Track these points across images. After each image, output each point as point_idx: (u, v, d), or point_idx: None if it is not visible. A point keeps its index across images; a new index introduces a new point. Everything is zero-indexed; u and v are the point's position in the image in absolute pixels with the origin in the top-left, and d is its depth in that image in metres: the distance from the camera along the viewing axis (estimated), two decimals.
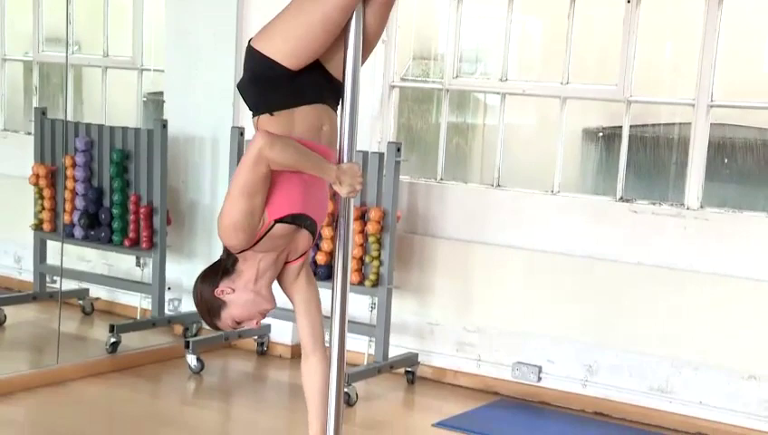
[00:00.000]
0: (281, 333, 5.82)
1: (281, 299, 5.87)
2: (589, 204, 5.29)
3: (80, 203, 5.93)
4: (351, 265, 4.99)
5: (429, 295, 5.56)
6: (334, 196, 2.71)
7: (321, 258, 5.20)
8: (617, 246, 5.14)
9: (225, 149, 5.65)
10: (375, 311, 5.25)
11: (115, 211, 5.82)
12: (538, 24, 6.00)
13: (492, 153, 5.64)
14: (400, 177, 5.24)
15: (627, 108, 5.19)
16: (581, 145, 5.67)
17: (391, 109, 5.88)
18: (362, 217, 5.12)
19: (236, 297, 2.75)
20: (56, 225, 6.10)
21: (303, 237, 2.77)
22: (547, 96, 5.53)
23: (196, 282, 2.82)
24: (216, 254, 5.82)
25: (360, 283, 5.13)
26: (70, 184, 5.96)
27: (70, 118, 6.27)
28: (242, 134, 5.44)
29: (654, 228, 5.07)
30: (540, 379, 5.29)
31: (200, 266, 6.27)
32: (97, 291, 6.48)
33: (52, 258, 6.16)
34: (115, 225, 5.82)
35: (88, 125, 6.01)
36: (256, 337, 5.81)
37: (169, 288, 5.96)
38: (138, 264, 6.08)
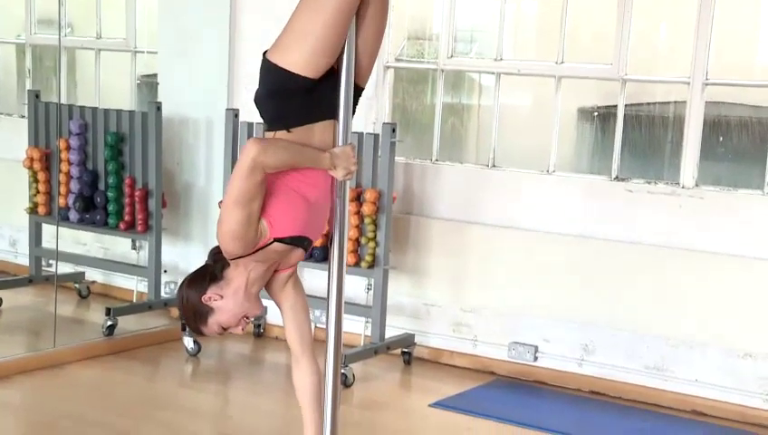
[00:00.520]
0: (277, 315, 5.80)
1: None
2: (584, 183, 5.29)
3: (74, 186, 5.92)
4: (347, 246, 4.99)
5: (425, 276, 5.56)
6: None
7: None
8: (612, 225, 5.15)
9: (219, 130, 5.64)
10: (371, 292, 5.25)
11: (110, 194, 5.81)
12: (533, 3, 5.99)
13: (487, 133, 5.63)
14: (396, 158, 5.23)
15: (622, 87, 5.18)
16: (577, 125, 5.66)
17: (386, 89, 5.87)
18: (358, 199, 5.12)
19: (224, 304, 2.72)
20: (51, 208, 6.09)
21: (297, 253, 2.76)
22: (542, 75, 5.52)
23: (181, 287, 2.78)
24: (212, 235, 5.82)
25: (357, 264, 5.14)
26: (64, 167, 5.95)
27: (63, 101, 6.24)
28: (236, 116, 5.42)
29: (649, 207, 5.07)
30: (536, 358, 5.30)
31: (196, 249, 6.34)
32: (93, 274, 6.48)
33: (48, 242, 6.15)
34: (110, 208, 5.81)
35: (82, 108, 5.99)
36: (253, 319, 5.81)
37: (165, 271, 5.96)
38: (133, 247, 6.09)
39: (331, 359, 2.77)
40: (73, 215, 5.92)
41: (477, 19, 5.87)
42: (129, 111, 5.86)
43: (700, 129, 5.01)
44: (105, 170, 5.83)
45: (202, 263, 6.22)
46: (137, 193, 5.69)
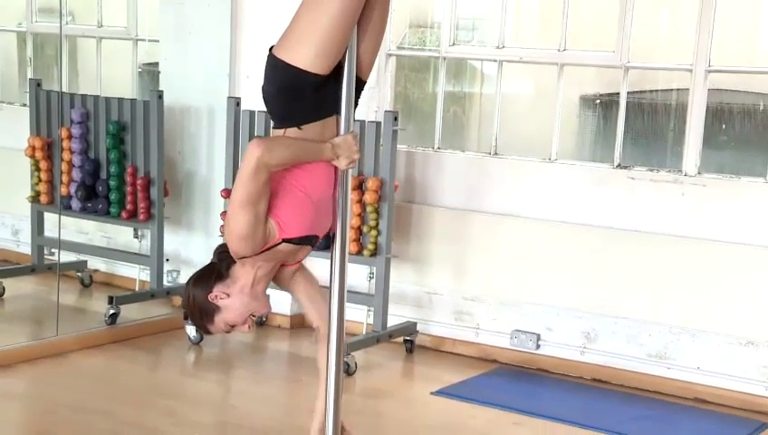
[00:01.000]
0: (280, 303, 5.83)
1: None
2: (586, 171, 5.28)
3: (76, 175, 5.91)
4: (349, 235, 4.98)
5: (427, 265, 5.56)
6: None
7: None
8: (615, 213, 5.14)
9: (221, 119, 5.62)
10: (373, 280, 5.25)
11: (112, 183, 5.80)
12: None
13: (489, 121, 5.62)
14: (398, 146, 5.23)
15: (624, 74, 5.17)
16: (579, 112, 5.65)
17: (388, 77, 5.86)
18: (360, 187, 5.12)
19: (231, 302, 2.71)
20: (53, 197, 6.08)
21: (305, 250, 2.76)
22: (544, 63, 5.51)
23: (187, 286, 2.77)
24: (214, 224, 5.84)
25: (359, 253, 5.13)
26: (66, 156, 5.94)
27: (65, 89, 6.23)
28: (238, 104, 5.42)
29: (652, 195, 5.06)
30: (538, 347, 5.30)
31: (198, 238, 6.34)
32: (95, 263, 6.48)
33: (50, 231, 6.15)
34: (112, 197, 5.81)
35: (83, 96, 5.99)
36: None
37: (168, 260, 5.96)
38: (136, 235, 6.08)
39: (333, 347, 2.77)
40: (75, 204, 5.92)
41: (479, 6, 5.86)
42: (131, 100, 5.85)
43: (703, 116, 4.99)
44: (107, 159, 5.83)
45: (203, 251, 6.22)
46: (139, 182, 5.68)
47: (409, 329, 5.46)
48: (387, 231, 5.13)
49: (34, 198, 6.17)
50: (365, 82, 2.75)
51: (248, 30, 5.74)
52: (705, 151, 5.03)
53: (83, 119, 5.90)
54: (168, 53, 6.05)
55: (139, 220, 5.75)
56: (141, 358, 5.23)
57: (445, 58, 5.73)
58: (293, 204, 2.62)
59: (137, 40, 6.56)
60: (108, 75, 6.73)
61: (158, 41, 6.20)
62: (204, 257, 5.90)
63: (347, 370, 4.94)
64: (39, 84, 6.17)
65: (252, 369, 5.18)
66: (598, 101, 5.58)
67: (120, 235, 6.29)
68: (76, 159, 5.90)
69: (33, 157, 6.09)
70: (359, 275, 5.29)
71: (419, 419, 4.53)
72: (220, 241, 5.65)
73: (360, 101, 2.75)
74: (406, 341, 5.48)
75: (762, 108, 5.12)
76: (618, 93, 5.22)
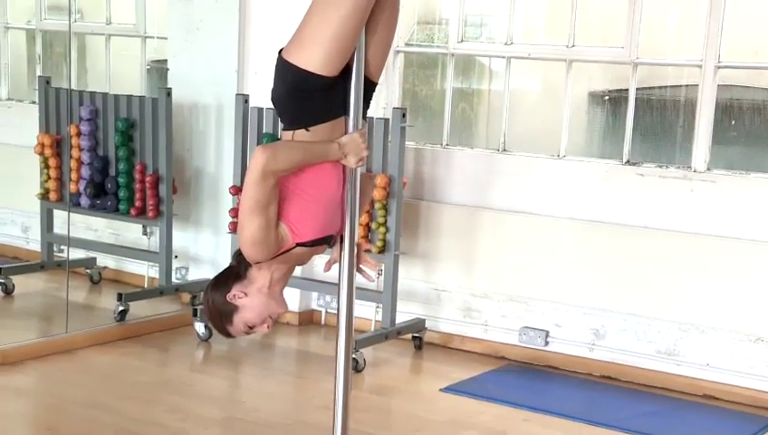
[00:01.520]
0: (288, 300, 5.81)
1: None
2: (595, 168, 5.27)
3: (85, 172, 5.93)
4: (358, 231, 4.98)
5: (436, 261, 5.56)
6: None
7: None
8: (623, 209, 5.13)
9: (229, 116, 5.63)
10: (382, 277, 5.25)
11: (121, 180, 5.82)
12: None
13: (497, 118, 5.62)
14: (406, 142, 5.23)
15: (633, 70, 5.16)
16: (587, 109, 5.64)
17: (396, 74, 5.85)
18: None
19: (249, 301, 2.71)
20: (62, 194, 6.10)
21: (321, 248, 2.76)
22: (553, 59, 5.50)
23: (207, 289, 2.77)
24: (223, 221, 5.85)
25: (367, 249, 5.13)
26: (75, 153, 5.96)
27: (74, 86, 6.24)
28: (246, 101, 5.42)
29: (661, 191, 5.05)
30: (547, 343, 5.30)
31: (207, 234, 6.35)
32: (104, 260, 6.50)
33: (59, 228, 6.17)
34: (121, 194, 5.82)
35: (92, 94, 6.00)
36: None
37: (176, 256, 5.97)
38: (144, 232, 6.10)
39: (342, 344, 2.77)
40: (84, 201, 5.93)
41: (487, 3, 5.85)
42: (140, 97, 5.86)
43: (712, 112, 4.98)
44: (116, 156, 5.84)
45: (212, 248, 6.23)
46: (147, 179, 5.69)
47: (418, 326, 5.46)
48: (395, 228, 5.13)
49: (44, 196, 6.18)
50: (376, 84, 2.74)
51: (256, 26, 5.75)
52: (715, 147, 5.01)
53: (92, 116, 5.92)
54: (176, 50, 6.06)
55: (147, 217, 5.76)
56: (150, 354, 5.24)
57: (453, 55, 5.72)
58: (303, 207, 2.62)
59: (145, 37, 6.57)
60: (116, 72, 6.75)
61: (166, 38, 6.22)
62: (212, 254, 5.98)
63: (355, 366, 4.94)
64: (48, 82, 6.19)
65: (260, 365, 5.19)
66: (606, 97, 5.57)
67: (129, 232, 6.31)
68: (85, 157, 5.92)
69: (42, 154, 6.10)
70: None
71: (428, 415, 4.53)
72: (229, 238, 5.71)
73: (370, 102, 2.74)
74: (414, 337, 5.48)
75: None
76: (626, 89, 5.21)
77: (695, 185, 4.98)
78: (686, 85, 5.22)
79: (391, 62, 5.79)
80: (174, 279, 5.95)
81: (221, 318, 2.74)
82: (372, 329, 5.39)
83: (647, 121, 5.28)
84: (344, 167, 2.67)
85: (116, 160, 5.85)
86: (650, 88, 5.33)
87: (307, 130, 2.61)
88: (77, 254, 6.28)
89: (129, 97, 5.85)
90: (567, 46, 5.35)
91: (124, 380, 4.81)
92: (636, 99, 5.18)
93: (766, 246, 4.76)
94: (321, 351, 5.43)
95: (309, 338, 5.70)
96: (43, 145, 6.08)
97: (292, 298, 5.75)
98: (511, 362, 5.32)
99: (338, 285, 2.77)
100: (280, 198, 2.59)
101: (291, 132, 2.65)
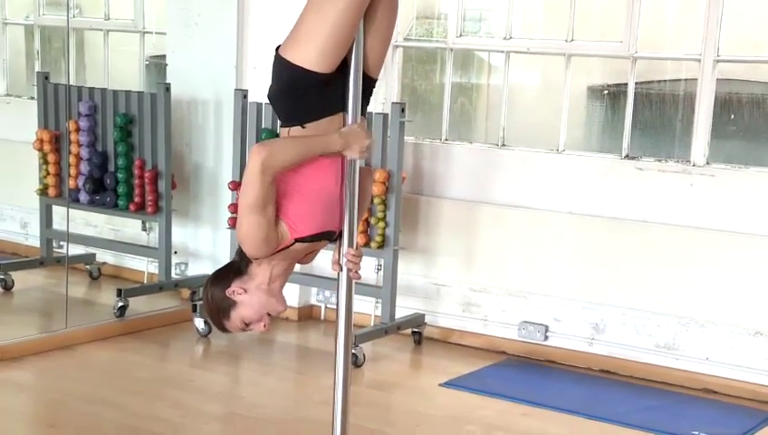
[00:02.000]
0: (288, 295, 5.81)
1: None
2: (594, 162, 5.27)
3: (84, 168, 5.93)
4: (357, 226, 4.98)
5: (435, 256, 5.56)
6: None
7: None
8: (623, 204, 5.13)
9: (228, 111, 5.63)
10: (381, 272, 5.25)
11: (120, 176, 5.81)
12: None
13: (496, 112, 5.62)
14: (405, 137, 5.22)
15: (632, 64, 5.15)
16: (587, 103, 5.64)
17: (395, 69, 5.85)
18: None
19: (248, 298, 2.70)
20: (61, 190, 6.10)
21: (321, 244, 2.75)
22: (552, 54, 5.49)
23: (206, 284, 2.78)
24: (222, 216, 5.85)
25: (366, 244, 5.13)
26: (74, 149, 5.95)
27: (72, 82, 6.24)
28: (245, 96, 5.41)
29: (660, 186, 5.05)
30: (546, 338, 5.30)
31: (206, 230, 6.35)
32: (104, 256, 6.50)
33: (59, 223, 6.17)
34: (120, 189, 5.82)
35: (91, 89, 5.99)
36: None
37: (176, 252, 5.97)
38: (144, 228, 6.10)
39: (341, 339, 2.77)
40: (83, 196, 5.93)
41: None
42: (138, 93, 5.86)
43: (711, 106, 4.98)
44: (115, 152, 5.84)
45: (211, 243, 6.23)
46: (146, 174, 5.69)
47: (417, 320, 5.46)
48: (394, 223, 5.13)
49: (43, 191, 6.18)
50: (375, 80, 2.73)
51: (255, 21, 5.74)
52: (714, 141, 5.01)
53: (91, 111, 5.91)
54: (175, 45, 6.06)
55: (147, 213, 5.76)
56: (150, 350, 5.25)
57: (452, 49, 5.72)
58: (301, 203, 2.62)
59: (144, 32, 6.57)
60: (115, 68, 6.74)
61: (165, 33, 6.21)
62: (212, 249, 5.98)
63: (355, 362, 4.94)
64: (47, 77, 6.19)
65: (260, 360, 5.19)
66: (605, 91, 5.56)
67: (129, 227, 6.31)
68: (84, 152, 5.91)
69: (41, 150, 6.10)
70: (366, 267, 5.23)
71: (427, 410, 4.54)
72: (228, 233, 5.71)
73: (370, 98, 2.74)
74: (414, 332, 5.48)
75: None
76: (625, 84, 5.20)
77: (694, 179, 4.98)
78: (685, 79, 5.22)
79: (390, 56, 5.79)
80: (173, 275, 5.95)
81: (219, 313, 2.74)
82: (372, 324, 5.39)
83: (646, 116, 5.27)
84: (343, 163, 2.66)
85: (115, 156, 5.84)
86: (649, 82, 5.33)
87: (303, 127, 2.61)
88: (76, 250, 6.29)
89: (128, 92, 5.85)
90: (566, 41, 5.34)
91: (124, 375, 4.81)
92: (635, 93, 5.18)
93: (765, 240, 4.77)
94: (321, 346, 5.43)
95: (308, 333, 5.71)
96: (41, 141, 6.07)
97: (292, 293, 5.75)
98: (510, 357, 5.33)
99: (337, 280, 2.77)
100: (278, 194, 2.59)
101: (287, 129, 2.65)
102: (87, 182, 5.90)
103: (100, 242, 6.38)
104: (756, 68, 5.17)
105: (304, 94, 2.57)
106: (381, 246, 5.14)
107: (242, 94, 5.42)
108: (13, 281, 6.13)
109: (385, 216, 5.13)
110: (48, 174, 6.11)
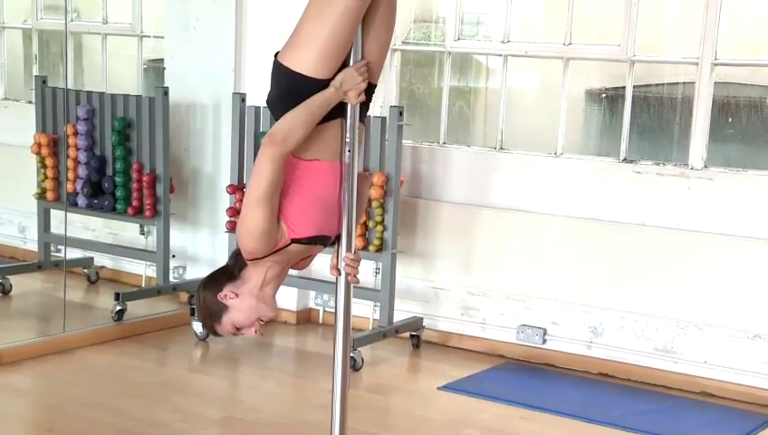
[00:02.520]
0: (286, 299, 5.83)
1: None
2: (592, 166, 5.27)
3: (82, 172, 5.92)
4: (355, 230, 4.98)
5: (433, 260, 5.56)
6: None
7: None
8: (621, 207, 5.13)
9: (227, 115, 5.63)
10: (379, 276, 5.25)
11: (118, 180, 5.81)
12: None
13: (495, 116, 5.62)
14: (403, 141, 5.23)
15: (630, 68, 5.16)
16: (584, 107, 5.64)
17: (393, 73, 5.85)
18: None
19: (239, 302, 2.71)
20: (59, 194, 6.09)
21: (316, 249, 2.76)
22: (549, 57, 5.50)
23: (200, 286, 2.79)
24: (220, 220, 5.84)
25: (365, 248, 5.13)
26: (72, 153, 5.95)
27: (70, 86, 6.24)
28: (243, 100, 5.42)
29: (658, 189, 5.06)
30: (545, 341, 5.30)
31: (204, 234, 6.35)
32: (102, 259, 6.49)
33: (56, 227, 6.16)
34: (118, 193, 5.82)
35: (89, 93, 5.99)
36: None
37: (174, 256, 5.97)
38: (142, 232, 6.09)
39: (339, 342, 2.77)
40: (82, 200, 5.93)
41: (484, 1, 5.84)
42: (137, 96, 5.86)
43: (709, 109, 4.98)
44: (113, 156, 5.84)
45: (210, 247, 6.23)
46: (145, 178, 5.69)
47: (416, 324, 5.46)
48: (393, 226, 5.13)
49: (41, 195, 6.18)
50: (375, 86, 2.73)
51: (253, 25, 5.74)
52: (712, 145, 5.01)
53: (89, 115, 5.91)
54: (173, 49, 6.06)
55: (145, 217, 5.76)
56: (148, 354, 5.24)
57: (450, 53, 5.72)
58: (300, 205, 2.62)
59: (142, 36, 6.57)
60: (113, 72, 6.74)
61: (163, 37, 6.21)
62: (210, 253, 5.98)
63: (353, 365, 4.94)
64: (45, 81, 6.18)
65: (258, 364, 5.19)
66: (603, 94, 5.57)
67: (127, 231, 6.30)
68: (82, 156, 5.91)
69: (39, 154, 6.10)
70: (365, 271, 5.25)
71: (426, 414, 4.54)
72: (226, 237, 5.70)
73: (369, 104, 2.74)
74: (412, 336, 5.48)
75: None
76: (623, 87, 5.21)
77: (692, 182, 4.99)
78: (683, 83, 5.22)
79: (388, 60, 5.79)
80: (171, 278, 5.95)
81: (210, 317, 2.75)
82: (370, 328, 5.39)
83: (644, 119, 5.28)
84: (342, 168, 2.66)
85: (113, 160, 5.84)
86: (647, 85, 5.33)
87: None
88: (74, 253, 6.28)
89: (126, 96, 5.85)
90: (564, 44, 5.35)
91: (122, 379, 4.81)
92: (633, 96, 5.18)
93: (763, 243, 4.77)
94: (320, 350, 5.43)
95: (307, 337, 5.70)
96: (39, 145, 6.07)
97: (290, 297, 5.75)
98: (509, 361, 5.33)
99: (335, 283, 2.77)
100: (281, 194, 2.59)
101: None
102: (85, 186, 5.90)
103: (99, 246, 6.37)
104: (754, 71, 5.17)
105: (302, 100, 2.58)
106: (380, 249, 5.14)
107: (240, 98, 5.42)
108: (11, 285, 6.12)
109: (383, 219, 5.13)
110: (46, 178, 6.11)
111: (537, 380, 5.07)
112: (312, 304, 5.91)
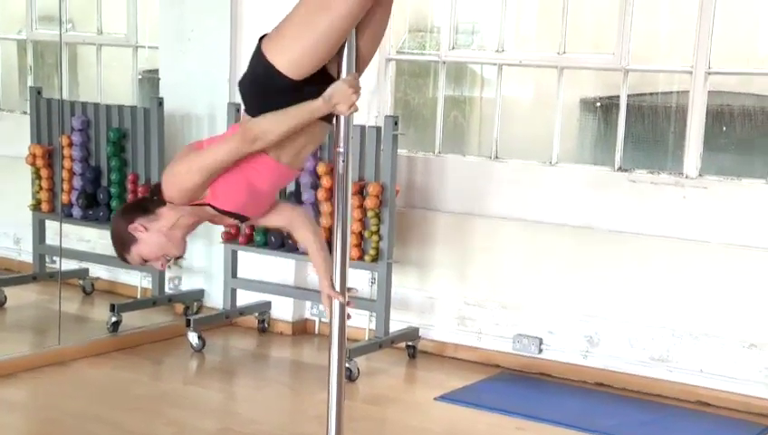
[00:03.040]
0: (282, 310, 5.83)
1: (278, 276, 5.85)
2: (587, 174, 5.28)
3: (77, 183, 5.92)
4: (351, 240, 4.98)
5: (429, 269, 5.56)
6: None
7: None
8: (616, 216, 5.14)
9: (222, 125, 5.62)
10: (375, 286, 5.25)
11: (113, 190, 5.81)
12: None
13: (489, 125, 5.62)
14: (398, 151, 5.22)
15: (624, 77, 5.17)
16: (579, 116, 5.65)
17: (388, 82, 5.86)
18: (361, 192, 5.11)
19: (147, 236, 2.79)
20: (54, 205, 6.09)
21: (231, 221, 2.86)
22: (544, 66, 5.51)
23: (115, 214, 2.90)
24: (215, 231, 5.83)
25: (360, 258, 5.13)
26: (67, 164, 5.95)
27: (65, 97, 6.24)
28: (238, 110, 5.41)
29: (653, 198, 5.06)
30: (541, 351, 5.30)
31: (199, 245, 6.34)
32: (97, 271, 6.48)
33: (52, 239, 6.15)
34: (113, 204, 5.81)
35: (84, 104, 5.99)
36: (257, 314, 5.82)
37: (169, 267, 5.94)
38: None
39: (335, 353, 2.77)
40: (77, 211, 5.92)
41: (478, 10, 5.86)
42: (131, 107, 5.86)
43: (703, 118, 4.99)
44: (108, 167, 5.83)
45: (205, 258, 6.19)
46: (140, 189, 5.68)
47: (412, 334, 5.45)
48: (388, 236, 5.13)
49: (35, 207, 6.17)
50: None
51: (248, 35, 5.74)
52: (706, 153, 5.02)
53: (84, 126, 5.91)
54: (167, 59, 6.06)
55: None
56: (144, 366, 5.23)
57: (444, 62, 5.73)
58: (232, 183, 2.69)
59: (137, 47, 6.57)
60: (108, 82, 6.74)
61: (157, 47, 6.21)
62: (205, 264, 5.97)
63: (349, 376, 4.93)
64: (39, 92, 6.18)
65: (254, 375, 5.18)
66: (598, 103, 5.58)
67: None
68: (77, 167, 5.91)
69: (33, 165, 6.09)
70: (360, 281, 5.29)
71: (422, 424, 4.53)
72: (221, 248, 5.68)
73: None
74: (408, 346, 5.47)
75: (762, 109, 5.11)
76: (618, 96, 5.22)
77: (686, 191, 4.99)
78: (677, 92, 5.24)
79: (383, 70, 5.80)
80: (167, 289, 5.94)
81: (120, 245, 2.84)
82: (366, 338, 5.38)
83: (638, 128, 5.29)
84: (289, 175, 2.76)
85: (108, 171, 5.84)
86: (641, 95, 5.34)
87: None
88: (69, 265, 6.27)
89: (121, 107, 5.85)
90: (558, 53, 5.36)
91: (118, 392, 4.79)
92: (627, 105, 5.19)
93: (758, 252, 4.77)
94: (315, 360, 5.42)
95: (302, 348, 5.69)
96: (34, 156, 6.06)
97: (286, 308, 5.75)
98: (504, 370, 5.32)
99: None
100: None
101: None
102: (80, 197, 5.89)
103: (94, 257, 6.35)
104: (748, 80, 5.19)
105: (268, 94, 2.63)
106: (375, 259, 5.14)
107: (235, 108, 5.42)
108: (5, 297, 6.11)
109: (378, 229, 5.12)
110: (41, 189, 6.10)
111: (533, 390, 5.06)
112: (308, 315, 5.91)
